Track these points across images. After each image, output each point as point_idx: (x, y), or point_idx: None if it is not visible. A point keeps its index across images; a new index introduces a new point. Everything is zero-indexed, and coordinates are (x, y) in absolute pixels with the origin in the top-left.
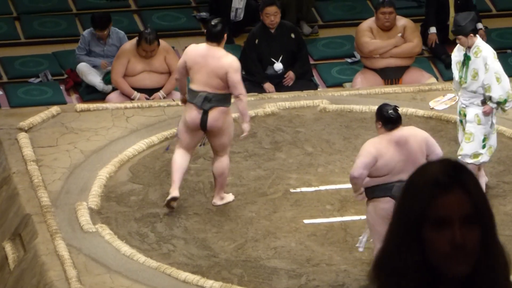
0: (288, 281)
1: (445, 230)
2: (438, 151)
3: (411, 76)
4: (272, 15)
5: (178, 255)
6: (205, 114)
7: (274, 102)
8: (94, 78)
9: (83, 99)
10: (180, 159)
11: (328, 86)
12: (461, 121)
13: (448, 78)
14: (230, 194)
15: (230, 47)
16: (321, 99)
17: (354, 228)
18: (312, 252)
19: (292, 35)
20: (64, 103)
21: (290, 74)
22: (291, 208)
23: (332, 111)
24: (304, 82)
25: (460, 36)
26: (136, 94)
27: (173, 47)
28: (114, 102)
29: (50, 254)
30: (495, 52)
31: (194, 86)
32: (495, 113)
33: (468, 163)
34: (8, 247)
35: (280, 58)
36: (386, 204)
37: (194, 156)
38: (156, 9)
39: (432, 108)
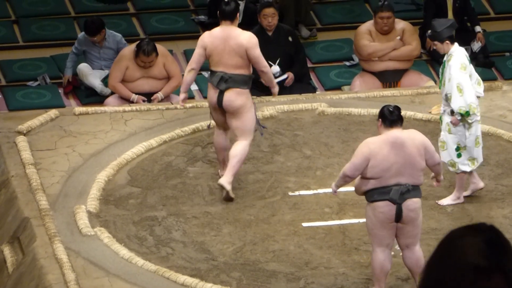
0: (286, 284)
1: None
2: (436, 157)
3: (409, 79)
4: (269, 17)
5: (176, 258)
6: (221, 94)
7: (273, 105)
8: (94, 80)
9: (81, 103)
10: (217, 139)
11: (326, 89)
12: None
13: None
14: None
15: None
16: (320, 102)
17: (353, 231)
18: (311, 255)
19: (290, 38)
20: (63, 106)
21: (291, 75)
22: (290, 211)
23: (331, 114)
24: (303, 85)
25: (436, 42)
26: (134, 96)
27: (171, 51)
28: (112, 105)
29: (49, 258)
30: (465, 63)
31: (213, 67)
32: (467, 126)
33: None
34: (7, 251)
35: (278, 61)
36: (385, 208)
37: (193, 159)
38: (154, 13)
39: (431, 112)
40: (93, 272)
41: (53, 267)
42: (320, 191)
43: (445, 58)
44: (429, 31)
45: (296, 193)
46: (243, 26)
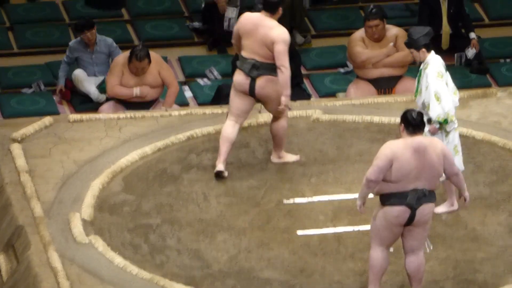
0: None
1: None
2: (455, 167)
3: (404, 85)
4: None
5: (171, 266)
6: (253, 81)
7: (267, 112)
8: (90, 86)
9: (75, 110)
10: (227, 130)
11: (321, 96)
12: None
13: None
14: (294, 156)
15: (222, 56)
16: (314, 109)
17: (348, 238)
18: (305, 263)
19: None
20: (57, 113)
21: None
22: (284, 218)
23: (325, 121)
24: (297, 92)
25: (412, 50)
26: (137, 90)
27: (165, 57)
28: (107, 112)
29: (43, 265)
30: (441, 71)
31: (244, 53)
32: (445, 134)
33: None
34: (1, 258)
35: None
36: (400, 213)
37: (187, 166)
38: (149, 19)
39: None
40: (87, 280)
41: (47, 275)
42: (315, 198)
43: (421, 66)
44: (406, 39)
45: (291, 200)
46: None
